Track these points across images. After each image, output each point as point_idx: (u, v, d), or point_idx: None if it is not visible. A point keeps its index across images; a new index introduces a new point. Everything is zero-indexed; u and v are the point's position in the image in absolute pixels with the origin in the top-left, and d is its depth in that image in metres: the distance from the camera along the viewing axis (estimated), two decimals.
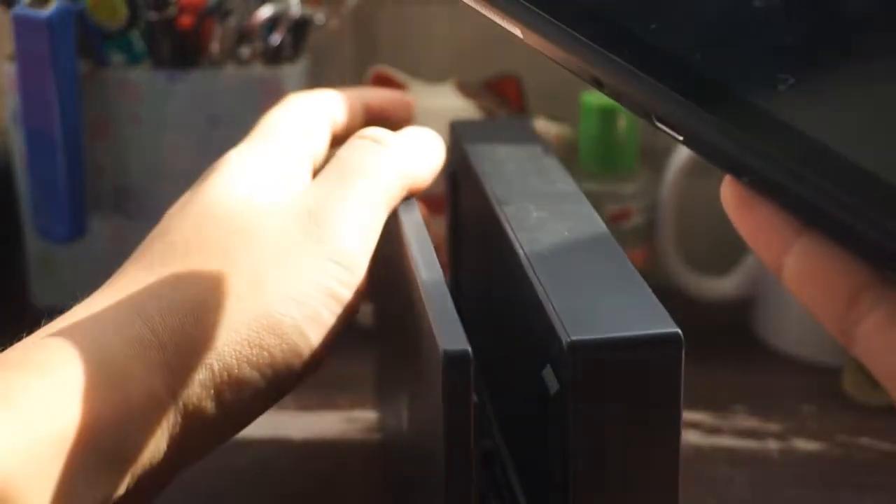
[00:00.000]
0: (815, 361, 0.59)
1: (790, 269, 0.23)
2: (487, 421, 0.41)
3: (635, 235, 0.62)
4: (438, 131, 0.45)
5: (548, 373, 0.32)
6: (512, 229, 0.37)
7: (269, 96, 0.56)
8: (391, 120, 0.46)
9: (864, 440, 0.52)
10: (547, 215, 0.38)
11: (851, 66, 0.23)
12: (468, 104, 0.62)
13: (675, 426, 0.32)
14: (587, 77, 0.26)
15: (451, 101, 0.62)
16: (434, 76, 0.65)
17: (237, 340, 0.35)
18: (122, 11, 0.58)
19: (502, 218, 0.38)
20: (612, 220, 0.61)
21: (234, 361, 0.35)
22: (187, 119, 0.60)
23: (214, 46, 0.60)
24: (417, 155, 0.41)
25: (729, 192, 0.24)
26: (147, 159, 0.61)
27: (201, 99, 0.60)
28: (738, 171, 0.23)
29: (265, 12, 0.60)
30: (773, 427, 0.53)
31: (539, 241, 0.36)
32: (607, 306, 0.32)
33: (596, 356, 0.30)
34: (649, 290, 0.33)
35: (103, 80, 0.60)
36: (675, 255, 0.63)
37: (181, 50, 0.60)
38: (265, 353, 0.36)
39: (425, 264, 0.35)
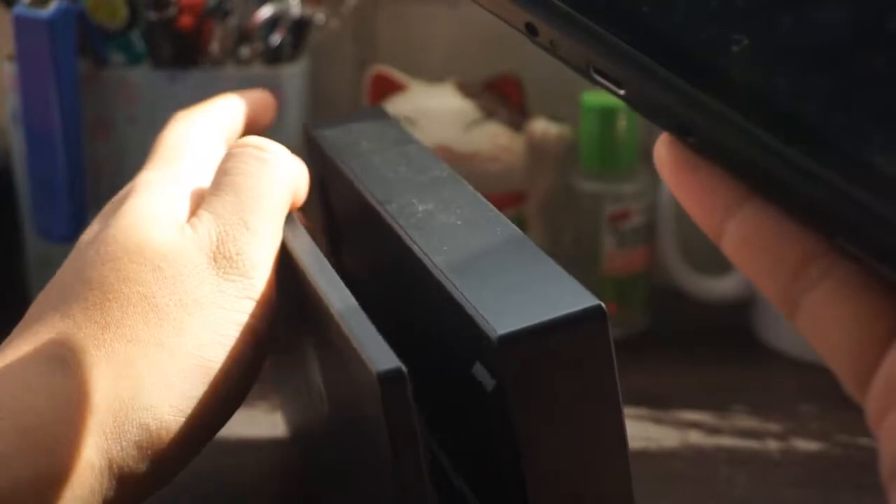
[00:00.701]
0: (815, 361, 0.59)
1: (733, 235, 0.22)
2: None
3: (635, 235, 0.62)
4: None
5: (478, 369, 0.31)
6: (402, 229, 0.36)
7: None
8: (259, 122, 0.46)
9: (864, 440, 0.52)
10: (432, 207, 0.37)
11: (807, 27, 0.21)
12: (468, 104, 0.62)
13: (614, 395, 0.31)
14: (520, 24, 0.24)
15: (451, 101, 0.62)
16: (434, 76, 0.65)
17: (172, 395, 0.34)
18: (122, 11, 0.58)
19: (388, 218, 0.37)
20: (612, 220, 0.61)
21: (172, 418, 0.34)
22: None
23: (214, 46, 0.60)
24: (297, 164, 0.40)
25: (665, 153, 0.23)
26: (146, 159, 0.61)
27: (201, 99, 0.59)
28: (684, 131, 0.22)
29: (265, 12, 0.60)
30: (773, 427, 0.53)
31: (434, 236, 0.35)
32: (523, 291, 0.31)
33: (526, 345, 0.30)
34: (557, 266, 0.33)
35: (103, 80, 0.60)
36: (675, 255, 0.63)
37: (181, 50, 0.60)
38: (199, 403, 0.35)
39: (329, 284, 0.34)
